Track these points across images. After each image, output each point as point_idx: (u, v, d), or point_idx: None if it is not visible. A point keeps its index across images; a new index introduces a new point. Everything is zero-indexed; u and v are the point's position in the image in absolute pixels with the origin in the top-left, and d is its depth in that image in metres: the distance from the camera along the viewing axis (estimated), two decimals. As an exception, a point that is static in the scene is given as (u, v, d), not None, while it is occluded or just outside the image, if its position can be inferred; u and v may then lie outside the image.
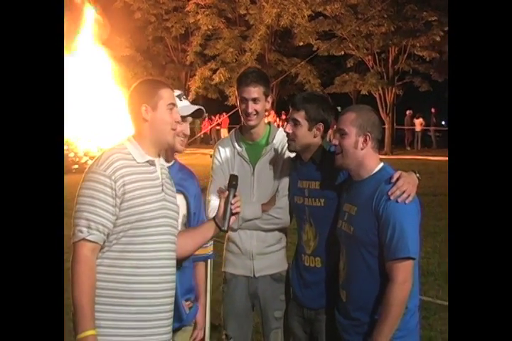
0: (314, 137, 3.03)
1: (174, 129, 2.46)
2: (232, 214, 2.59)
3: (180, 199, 2.79)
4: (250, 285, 3.22)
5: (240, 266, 3.20)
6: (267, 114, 3.39)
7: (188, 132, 2.79)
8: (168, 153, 2.82)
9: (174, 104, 2.47)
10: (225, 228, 2.59)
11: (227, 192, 2.62)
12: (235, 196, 2.61)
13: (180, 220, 2.74)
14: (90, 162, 2.42)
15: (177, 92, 2.78)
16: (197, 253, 2.87)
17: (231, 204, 2.59)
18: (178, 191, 2.74)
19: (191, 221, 2.86)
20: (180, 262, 2.67)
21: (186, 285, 2.80)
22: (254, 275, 3.20)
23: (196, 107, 2.78)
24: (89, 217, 2.26)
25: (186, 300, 2.81)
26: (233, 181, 2.64)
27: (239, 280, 3.22)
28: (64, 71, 2.34)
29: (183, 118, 2.72)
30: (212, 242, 3.02)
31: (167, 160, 2.84)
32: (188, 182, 2.89)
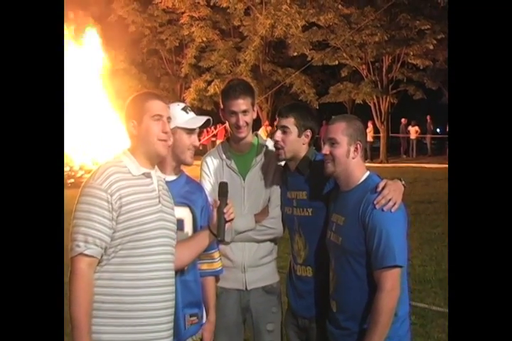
0: (303, 144, 3.05)
1: (162, 140, 2.47)
2: (226, 221, 2.60)
3: (187, 213, 2.79)
4: (242, 299, 3.19)
5: (231, 279, 3.14)
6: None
7: (197, 144, 2.79)
8: (175, 165, 2.81)
9: (161, 115, 2.47)
10: (221, 237, 2.60)
11: (218, 201, 2.63)
12: (226, 204, 2.62)
13: (187, 233, 2.75)
14: (86, 176, 2.45)
15: (181, 105, 2.81)
16: (205, 268, 2.88)
17: (223, 212, 2.59)
18: (184, 204, 2.75)
19: None
20: (182, 275, 2.68)
21: (189, 298, 2.74)
22: (246, 288, 3.17)
23: (205, 118, 2.78)
24: (87, 232, 2.28)
25: (191, 316, 2.76)
26: (223, 189, 2.64)
27: (230, 294, 3.18)
28: (64, 82, 2.37)
29: (192, 130, 2.76)
30: (220, 257, 2.98)
31: (174, 173, 2.82)
32: (195, 195, 2.85)
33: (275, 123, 3.11)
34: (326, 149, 2.70)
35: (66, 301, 2.22)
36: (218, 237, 2.60)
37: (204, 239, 2.65)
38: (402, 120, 28.12)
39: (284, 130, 3.01)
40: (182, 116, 2.74)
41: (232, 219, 2.64)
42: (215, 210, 2.62)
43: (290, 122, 3.01)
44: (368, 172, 2.72)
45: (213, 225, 2.62)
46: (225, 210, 2.60)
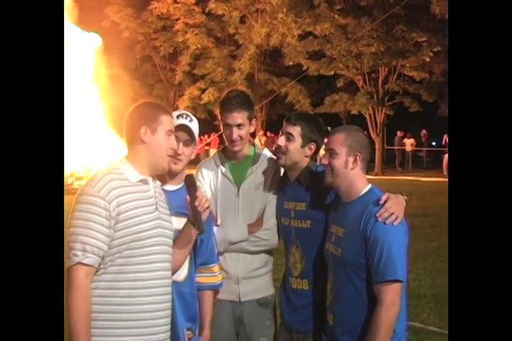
0: (305, 156, 3.01)
1: (169, 155, 2.49)
2: (201, 213, 2.57)
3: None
4: (235, 310, 3.14)
5: (225, 290, 3.03)
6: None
7: (178, 150, 2.67)
8: (166, 174, 2.72)
9: (172, 132, 2.49)
10: (202, 230, 2.57)
11: (188, 196, 2.59)
12: (197, 196, 2.58)
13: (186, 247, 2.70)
14: (77, 183, 2.29)
15: (180, 112, 2.79)
16: (204, 281, 2.83)
17: (196, 205, 2.56)
18: (185, 214, 2.67)
19: (199, 248, 2.76)
20: (178, 287, 2.63)
21: (187, 312, 2.70)
22: (239, 299, 3.12)
23: (179, 123, 2.69)
24: (85, 240, 2.25)
25: (188, 330, 2.69)
26: (190, 182, 2.63)
27: (223, 305, 3.12)
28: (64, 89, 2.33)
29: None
30: (220, 271, 2.93)
31: (175, 183, 2.76)
32: None
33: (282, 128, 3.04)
34: (324, 160, 2.71)
35: (66, 305, 2.21)
36: (199, 230, 2.57)
37: (188, 234, 2.61)
38: (398, 132, 27.99)
39: (289, 137, 2.99)
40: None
41: (208, 207, 2.62)
42: (189, 206, 2.59)
43: (296, 131, 2.98)
44: (369, 185, 2.70)
45: (192, 220, 2.60)
46: (196, 203, 2.56)
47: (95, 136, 20.43)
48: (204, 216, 2.58)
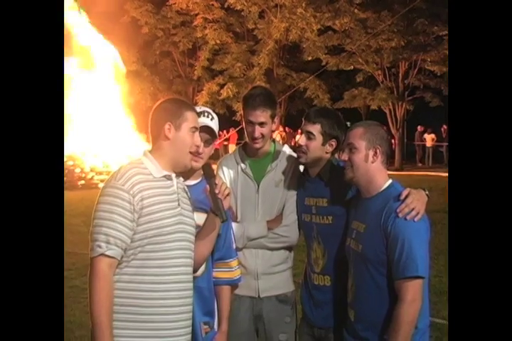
0: (326, 153, 3.00)
1: (192, 152, 2.50)
2: (222, 201, 2.56)
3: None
4: (254, 307, 3.14)
5: (244, 286, 3.02)
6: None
7: (200, 149, 2.66)
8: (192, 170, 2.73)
9: (197, 128, 2.49)
10: (224, 218, 2.56)
11: (207, 186, 2.58)
12: (216, 184, 2.58)
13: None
14: (97, 177, 2.31)
15: (201, 109, 2.77)
16: (221, 276, 2.82)
17: (216, 193, 2.55)
18: (204, 210, 2.68)
19: (217, 243, 2.73)
20: (195, 282, 2.60)
21: (204, 307, 2.71)
22: (258, 295, 3.13)
23: (201, 124, 2.65)
24: (108, 232, 2.27)
25: (205, 324, 2.71)
26: (208, 171, 2.64)
27: (242, 301, 3.13)
28: (63, 85, 2.37)
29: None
30: (238, 266, 2.91)
31: (194, 178, 2.77)
32: None
33: (301, 126, 3.01)
34: (344, 155, 2.70)
35: (66, 305, 2.14)
36: (221, 219, 2.56)
37: (211, 224, 2.61)
38: (418, 127, 27.72)
39: (309, 136, 2.97)
40: None
41: (228, 195, 2.59)
42: (209, 195, 2.58)
43: (316, 129, 2.96)
44: (390, 180, 2.68)
45: (214, 210, 2.59)
46: (216, 191, 2.55)
47: (115, 132, 20.55)
48: (225, 203, 2.57)
